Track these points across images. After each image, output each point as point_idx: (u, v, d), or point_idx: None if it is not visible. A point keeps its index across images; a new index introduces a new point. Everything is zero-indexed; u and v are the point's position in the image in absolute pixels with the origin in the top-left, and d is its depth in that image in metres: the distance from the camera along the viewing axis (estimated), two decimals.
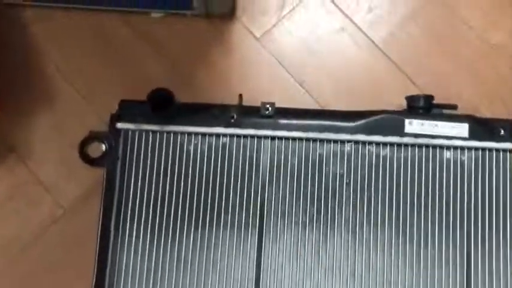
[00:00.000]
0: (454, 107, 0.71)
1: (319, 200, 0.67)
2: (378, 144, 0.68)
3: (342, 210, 0.67)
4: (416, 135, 0.68)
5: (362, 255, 0.65)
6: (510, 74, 0.77)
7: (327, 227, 0.66)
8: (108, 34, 0.80)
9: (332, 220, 0.67)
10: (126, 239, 0.66)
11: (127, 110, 0.71)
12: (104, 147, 0.71)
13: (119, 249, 0.66)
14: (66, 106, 0.79)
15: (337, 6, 0.79)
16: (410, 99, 0.71)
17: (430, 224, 0.66)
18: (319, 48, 0.78)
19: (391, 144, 0.68)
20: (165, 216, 0.67)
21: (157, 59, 0.78)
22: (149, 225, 0.67)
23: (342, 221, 0.67)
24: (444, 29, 0.78)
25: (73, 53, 0.80)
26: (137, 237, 0.67)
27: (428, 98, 0.71)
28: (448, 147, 0.68)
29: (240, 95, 0.71)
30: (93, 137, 0.73)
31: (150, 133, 0.70)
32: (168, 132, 0.69)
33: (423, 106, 0.71)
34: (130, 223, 0.67)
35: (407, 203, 0.67)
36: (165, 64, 0.78)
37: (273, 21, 0.79)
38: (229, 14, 0.79)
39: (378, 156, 0.68)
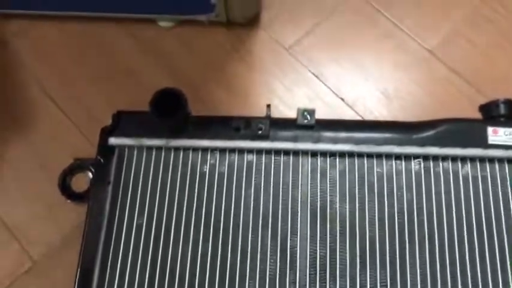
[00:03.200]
0: None
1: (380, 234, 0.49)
2: (454, 159, 0.52)
3: (414, 246, 0.49)
4: (506, 147, 0.52)
5: None
6: None
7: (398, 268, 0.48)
8: (107, 46, 0.66)
9: (403, 260, 0.48)
10: None
11: (124, 122, 0.55)
12: (91, 176, 0.55)
13: None
14: (50, 129, 0.64)
15: (379, 10, 0.66)
16: (487, 108, 0.56)
17: None
18: (360, 57, 0.64)
19: (472, 159, 0.52)
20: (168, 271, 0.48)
21: (165, 72, 0.64)
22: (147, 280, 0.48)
23: (415, 261, 0.48)
24: None
25: (61, 67, 0.66)
26: None
27: (511, 104, 0.55)
28: None
29: (268, 105, 0.56)
30: (78, 165, 0.56)
31: (154, 150, 0.53)
32: (177, 149, 0.53)
33: (505, 114, 0.55)
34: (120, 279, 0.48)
35: (494, 236, 0.49)
36: (173, 79, 0.63)
37: (305, 29, 0.66)
38: (253, 20, 0.66)
39: (456, 174, 0.51)
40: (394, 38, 0.64)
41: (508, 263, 0.48)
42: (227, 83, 0.63)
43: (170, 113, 0.50)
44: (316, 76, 0.63)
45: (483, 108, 0.56)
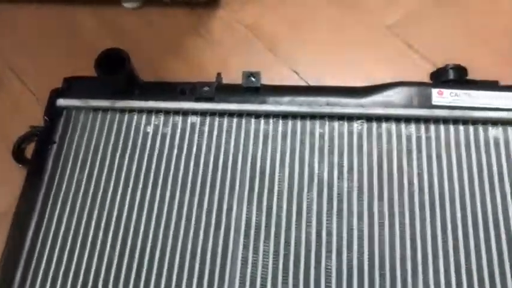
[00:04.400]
0: (494, 83, 0.55)
1: (322, 194, 0.48)
2: (398, 120, 0.51)
3: (351, 204, 0.48)
4: (450, 108, 0.51)
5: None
6: None
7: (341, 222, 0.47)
8: (72, 26, 0.68)
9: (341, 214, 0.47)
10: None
11: (73, 85, 0.56)
12: None
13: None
14: (11, 101, 0.65)
15: None
16: (437, 73, 0.55)
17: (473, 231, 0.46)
18: (319, 34, 0.65)
19: (417, 120, 0.51)
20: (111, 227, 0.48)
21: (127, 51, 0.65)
22: (82, 230, 0.48)
23: (352, 219, 0.47)
24: None
25: (25, 44, 0.68)
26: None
27: (461, 70, 0.55)
28: (495, 122, 0.50)
29: (219, 73, 0.56)
30: (33, 133, 0.57)
31: (100, 111, 0.53)
32: (122, 110, 0.53)
33: (454, 79, 0.54)
34: (53, 240, 0.48)
35: (444, 198, 0.47)
36: (135, 57, 0.64)
37: (264, 8, 0.67)
38: (213, 0, 0.67)
39: (399, 136, 0.51)
40: (355, 15, 0.65)
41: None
42: (186, 60, 0.64)
43: (113, 70, 0.51)
44: (274, 54, 0.64)
45: (433, 74, 0.56)
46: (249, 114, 0.52)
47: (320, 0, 0.66)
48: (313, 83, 0.62)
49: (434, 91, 0.52)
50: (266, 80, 0.58)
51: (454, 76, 0.54)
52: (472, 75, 0.55)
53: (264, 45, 0.65)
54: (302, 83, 0.62)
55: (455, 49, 0.62)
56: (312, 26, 0.65)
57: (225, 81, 0.56)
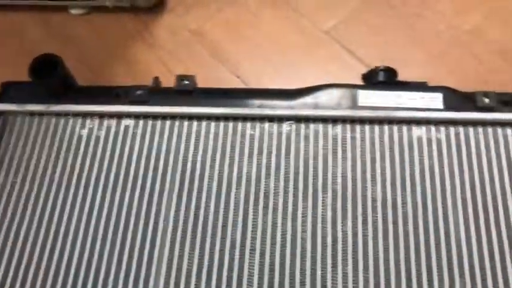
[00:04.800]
0: (423, 84, 0.56)
1: (250, 194, 0.49)
2: (325, 121, 0.52)
3: (277, 205, 0.49)
4: (374, 108, 0.52)
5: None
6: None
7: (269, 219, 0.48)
8: (19, 32, 0.69)
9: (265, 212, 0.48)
10: None
11: (11, 90, 0.56)
12: None
13: None
14: None
15: None
16: (368, 75, 0.57)
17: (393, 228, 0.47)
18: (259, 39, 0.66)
19: (343, 121, 0.52)
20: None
21: (72, 57, 0.66)
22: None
23: (276, 215, 0.48)
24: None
25: None
26: None
27: (390, 72, 0.57)
28: (419, 122, 0.52)
29: (156, 77, 0.58)
30: None
31: (36, 116, 0.54)
32: (58, 114, 0.54)
33: (384, 81, 0.56)
34: None
35: (366, 195, 0.49)
36: (81, 62, 0.65)
37: (208, 14, 0.68)
38: (158, 5, 0.68)
39: (325, 136, 0.52)
40: (292, 20, 0.67)
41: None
42: (130, 65, 0.66)
43: (47, 74, 0.52)
44: (216, 58, 0.65)
45: (364, 76, 0.57)
46: (182, 116, 0.54)
47: (261, 6, 0.68)
48: (253, 86, 0.63)
49: (361, 92, 0.53)
50: (208, 83, 0.59)
51: (384, 78, 0.56)
52: (405, 76, 0.57)
53: (206, 50, 0.66)
54: (243, 86, 0.63)
55: (390, 51, 0.64)
56: (254, 31, 0.67)
57: (167, 85, 0.58)
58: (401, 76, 0.57)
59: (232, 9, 0.68)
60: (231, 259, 0.46)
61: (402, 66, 0.62)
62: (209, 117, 0.53)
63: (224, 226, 0.48)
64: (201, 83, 0.62)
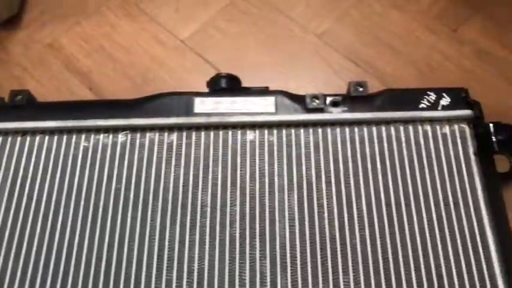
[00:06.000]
0: (265, 89, 0.57)
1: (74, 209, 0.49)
2: (161, 129, 0.53)
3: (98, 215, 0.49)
4: (209, 115, 0.53)
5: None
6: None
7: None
8: None
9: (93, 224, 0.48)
10: None
11: None
12: None
13: None
14: None
15: (141, 9, 0.69)
16: (212, 82, 0.57)
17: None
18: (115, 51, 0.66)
19: (179, 128, 0.53)
20: None
21: None
22: None
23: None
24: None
25: None
26: None
27: (233, 79, 0.57)
28: (253, 126, 0.53)
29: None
30: None
31: None
32: None
33: (226, 87, 0.57)
34: None
35: (197, 201, 0.49)
36: None
37: (65, 28, 0.67)
38: (12, 21, 0.67)
39: (161, 145, 0.52)
40: (150, 31, 0.67)
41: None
42: None
43: None
44: (70, 72, 0.64)
45: (208, 83, 0.58)
46: (17, 132, 0.52)
47: (119, 18, 0.68)
48: (107, 98, 0.63)
49: (197, 99, 0.54)
50: (61, 97, 0.59)
51: (226, 84, 0.57)
52: (258, 82, 0.58)
53: (61, 63, 0.65)
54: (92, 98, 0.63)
55: (244, 57, 0.65)
56: (110, 43, 0.67)
57: None
58: (254, 81, 0.58)
59: (90, 22, 0.68)
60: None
61: (254, 71, 0.64)
62: (43, 132, 0.52)
63: (52, 235, 0.47)
64: (54, 97, 0.62)
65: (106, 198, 0.49)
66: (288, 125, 0.53)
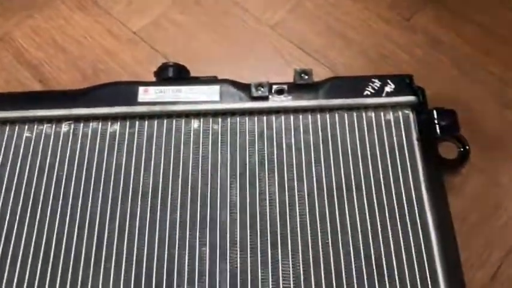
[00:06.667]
0: (213, 78, 0.57)
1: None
2: (104, 119, 0.52)
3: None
4: (152, 103, 0.53)
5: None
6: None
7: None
8: None
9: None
10: None
11: None
12: None
13: None
14: None
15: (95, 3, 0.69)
16: (159, 71, 0.57)
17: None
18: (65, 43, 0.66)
19: (123, 118, 0.52)
20: None
21: None
22: None
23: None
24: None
25: None
26: None
27: (181, 69, 0.57)
28: (197, 114, 0.53)
29: None
30: None
31: None
32: None
33: (174, 77, 0.56)
34: None
35: (137, 187, 0.49)
36: None
37: (18, 19, 0.67)
38: None
39: (103, 134, 0.52)
40: (103, 23, 0.67)
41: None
42: None
43: None
44: (22, 65, 0.64)
45: (155, 72, 0.58)
46: None
47: (73, 11, 0.68)
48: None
49: (141, 89, 0.54)
50: (10, 88, 0.58)
51: (173, 74, 0.57)
52: (207, 72, 0.57)
53: (12, 56, 0.65)
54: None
55: (196, 48, 0.65)
56: (63, 36, 0.66)
57: None
58: (206, 72, 0.58)
59: (43, 15, 0.67)
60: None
61: (207, 62, 0.64)
62: None
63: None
64: (3, 89, 0.61)
65: (47, 185, 0.49)
66: (233, 113, 0.53)
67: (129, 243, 0.46)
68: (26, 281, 0.45)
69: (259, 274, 0.45)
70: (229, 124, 0.52)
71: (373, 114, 0.53)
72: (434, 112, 0.53)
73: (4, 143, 0.51)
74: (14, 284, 0.45)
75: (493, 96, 0.62)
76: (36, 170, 0.50)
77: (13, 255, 0.46)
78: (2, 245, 0.46)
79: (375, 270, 0.45)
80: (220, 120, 0.52)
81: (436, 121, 0.53)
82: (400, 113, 0.53)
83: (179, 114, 0.52)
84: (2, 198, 0.48)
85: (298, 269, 0.45)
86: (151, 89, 0.54)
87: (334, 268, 0.45)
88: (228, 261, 0.46)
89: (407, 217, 0.48)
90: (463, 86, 0.63)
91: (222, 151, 0.51)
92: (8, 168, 0.50)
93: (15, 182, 0.49)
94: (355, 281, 0.45)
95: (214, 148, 0.51)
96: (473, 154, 0.54)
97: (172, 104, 0.52)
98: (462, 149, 0.54)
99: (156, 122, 0.52)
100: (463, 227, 0.53)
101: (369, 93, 0.54)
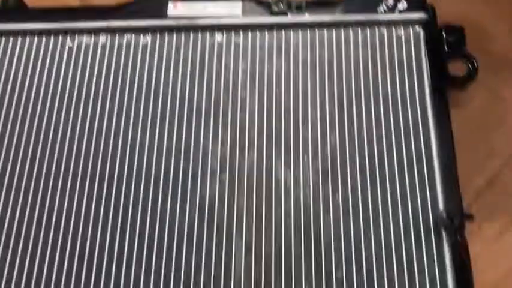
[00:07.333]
0: None
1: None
2: (137, 30, 0.57)
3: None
4: (180, 18, 0.57)
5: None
6: None
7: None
8: None
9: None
10: None
11: None
12: None
13: None
14: None
15: None
16: None
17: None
18: None
19: (153, 30, 0.57)
20: None
21: None
22: None
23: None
24: None
25: None
26: None
27: None
28: (220, 28, 0.57)
29: None
30: None
31: None
32: None
33: None
34: None
35: (176, 101, 0.55)
36: None
37: None
38: None
39: (137, 46, 0.57)
40: None
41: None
42: None
43: None
44: None
45: None
46: (8, 32, 0.58)
47: None
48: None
49: (170, 3, 0.58)
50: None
51: None
52: None
53: None
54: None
55: None
56: None
57: None
58: None
59: None
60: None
61: None
62: (32, 33, 0.58)
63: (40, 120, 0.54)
64: (45, 4, 0.66)
65: (87, 91, 0.55)
66: (253, 27, 0.57)
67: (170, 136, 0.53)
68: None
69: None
70: (250, 38, 0.57)
71: (385, 31, 0.56)
72: (443, 31, 0.56)
73: (50, 52, 0.57)
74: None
75: (504, 17, 0.63)
76: (78, 77, 0.56)
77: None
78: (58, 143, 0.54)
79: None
80: (241, 33, 0.57)
81: (444, 38, 0.56)
82: (410, 30, 0.56)
83: (204, 28, 0.57)
84: (49, 96, 0.55)
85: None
86: (180, 4, 0.58)
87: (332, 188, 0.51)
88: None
89: (410, 125, 0.53)
90: (474, 6, 0.64)
91: (243, 62, 0.56)
92: (53, 75, 0.56)
93: (59, 85, 0.56)
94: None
95: (235, 59, 0.56)
96: (480, 72, 0.57)
97: (198, 19, 0.57)
98: (471, 67, 0.57)
99: (183, 35, 0.57)
100: (464, 138, 0.57)
101: (382, 10, 0.57)
